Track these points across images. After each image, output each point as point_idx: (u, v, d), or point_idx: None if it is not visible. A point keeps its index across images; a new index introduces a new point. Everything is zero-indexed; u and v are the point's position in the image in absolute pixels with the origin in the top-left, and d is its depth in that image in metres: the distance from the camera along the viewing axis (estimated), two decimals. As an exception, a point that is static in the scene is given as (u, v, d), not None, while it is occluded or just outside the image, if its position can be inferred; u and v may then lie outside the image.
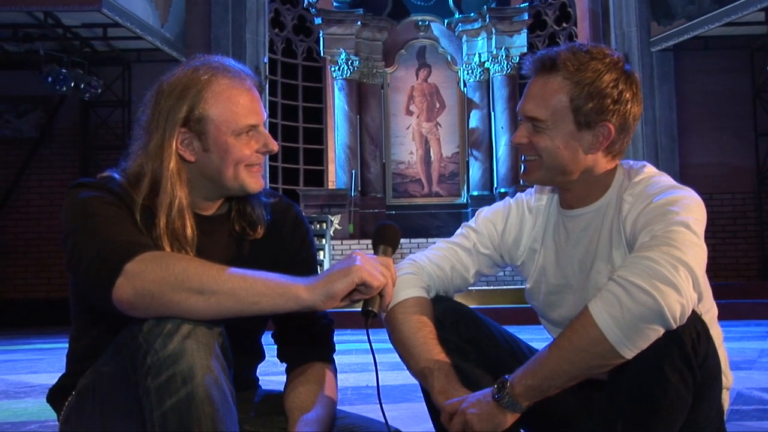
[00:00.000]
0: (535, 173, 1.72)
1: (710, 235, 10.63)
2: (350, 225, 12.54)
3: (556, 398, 1.83)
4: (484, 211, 1.93)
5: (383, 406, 1.61)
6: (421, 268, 1.82)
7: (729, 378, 1.75)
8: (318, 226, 11.42)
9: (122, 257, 1.41)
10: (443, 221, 13.29)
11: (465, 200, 13.69)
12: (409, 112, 14.15)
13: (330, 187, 13.73)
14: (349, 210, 12.68)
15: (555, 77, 1.64)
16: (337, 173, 13.66)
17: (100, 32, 9.91)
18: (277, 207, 1.79)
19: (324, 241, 11.20)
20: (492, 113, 13.71)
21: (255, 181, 1.66)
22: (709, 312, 1.70)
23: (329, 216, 11.84)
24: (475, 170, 13.74)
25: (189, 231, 1.59)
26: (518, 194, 1.93)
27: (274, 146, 1.66)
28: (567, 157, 1.67)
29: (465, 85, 13.95)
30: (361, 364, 4.59)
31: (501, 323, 1.91)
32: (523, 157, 1.74)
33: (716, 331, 1.71)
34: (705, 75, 11.40)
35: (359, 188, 13.43)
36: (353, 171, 13.35)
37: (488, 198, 12.85)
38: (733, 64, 11.26)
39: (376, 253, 1.56)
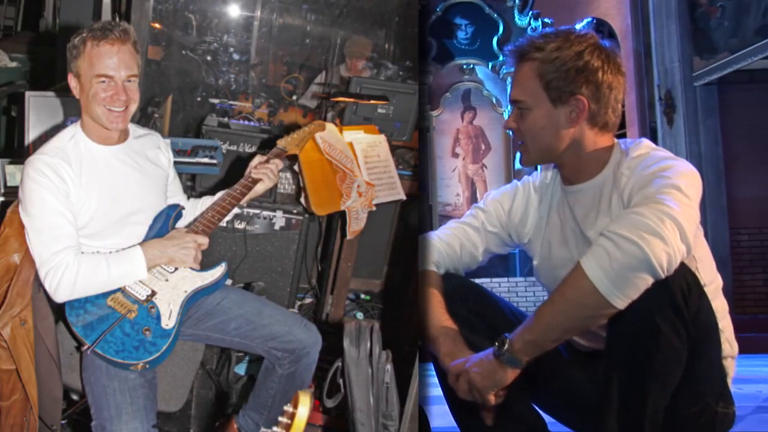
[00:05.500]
0: (526, 156, 1.82)
1: (762, 269, 10.44)
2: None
3: (569, 375, 1.88)
4: (492, 193, 2.02)
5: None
6: (431, 245, 1.91)
7: (734, 347, 1.78)
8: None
9: None
10: (490, 262, 13.20)
11: (512, 240, 13.65)
12: (455, 155, 14.23)
13: (378, 229, 13.81)
14: (396, 251, 12.72)
15: (526, 61, 1.76)
16: (384, 216, 13.75)
17: None
18: None
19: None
20: (537, 153, 13.71)
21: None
22: (713, 283, 1.75)
23: (376, 256, 11.90)
24: (522, 210, 13.70)
25: None
26: (525, 176, 2.01)
27: None
28: (548, 135, 1.77)
29: (510, 127, 13.99)
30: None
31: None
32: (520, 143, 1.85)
33: (720, 301, 1.76)
34: (751, 108, 11.24)
35: (406, 230, 13.49)
36: (400, 213, 13.43)
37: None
38: (780, 97, 11.13)
39: None
